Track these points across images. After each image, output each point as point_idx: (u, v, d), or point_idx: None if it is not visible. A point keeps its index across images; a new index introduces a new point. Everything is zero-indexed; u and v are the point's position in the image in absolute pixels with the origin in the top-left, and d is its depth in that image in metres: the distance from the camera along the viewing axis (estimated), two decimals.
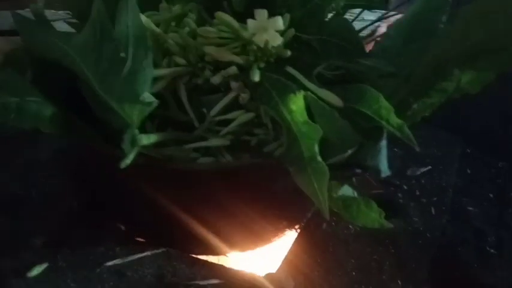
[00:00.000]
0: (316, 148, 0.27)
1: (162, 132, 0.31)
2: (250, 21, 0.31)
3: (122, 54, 0.29)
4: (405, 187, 0.49)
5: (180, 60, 0.34)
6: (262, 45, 0.31)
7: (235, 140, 0.34)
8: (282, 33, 0.32)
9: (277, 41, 0.31)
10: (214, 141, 0.32)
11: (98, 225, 0.40)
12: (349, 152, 0.26)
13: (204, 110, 0.33)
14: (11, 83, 0.28)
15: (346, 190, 0.29)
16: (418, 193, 0.48)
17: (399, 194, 0.48)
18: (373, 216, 0.28)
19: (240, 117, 0.33)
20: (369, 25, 0.46)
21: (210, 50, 0.32)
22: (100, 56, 0.29)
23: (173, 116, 0.34)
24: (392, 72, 0.32)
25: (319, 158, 0.27)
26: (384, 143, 0.28)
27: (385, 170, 0.28)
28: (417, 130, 0.32)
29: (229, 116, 0.33)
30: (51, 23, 0.39)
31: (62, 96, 0.31)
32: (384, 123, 0.28)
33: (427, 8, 0.36)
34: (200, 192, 0.33)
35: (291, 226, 0.41)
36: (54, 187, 0.43)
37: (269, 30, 0.31)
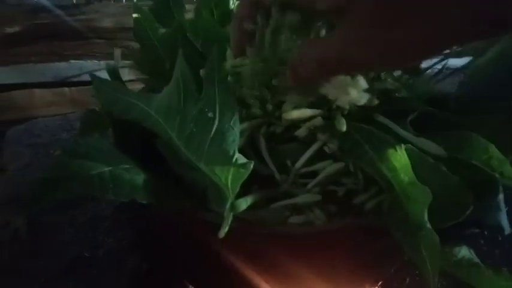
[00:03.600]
0: (426, 214, 0.24)
1: (254, 194, 0.29)
2: (329, 90, 0.29)
3: (210, 114, 0.27)
4: (485, 232, 0.45)
5: (257, 111, 0.32)
6: (347, 107, 0.29)
7: (321, 191, 0.32)
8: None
9: (362, 100, 0.29)
10: (304, 198, 0.30)
11: (167, 285, 0.38)
12: (467, 213, 0.24)
13: (288, 162, 0.32)
14: (100, 151, 0.26)
15: (465, 252, 0.26)
16: (500, 238, 0.45)
17: (481, 241, 0.44)
18: (503, 285, 0.25)
19: (329, 167, 0.31)
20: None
21: (289, 115, 0.30)
22: (185, 117, 0.28)
23: (256, 171, 0.32)
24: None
25: (429, 226, 0.24)
26: (501, 196, 0.26)
27: (507, 226, 0.25)
28: None
29: (317, 166, 0.31)
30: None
31: (142, 159, 0.30)
32: (497, 175, 0.26)
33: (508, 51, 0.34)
34: (286, 253, 0.31)
35: (374, 284, 0.38)
36: (120, 245, 0.42)
37: (351, 92, 0.28)
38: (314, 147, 0.31)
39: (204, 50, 0.40)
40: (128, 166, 0.26)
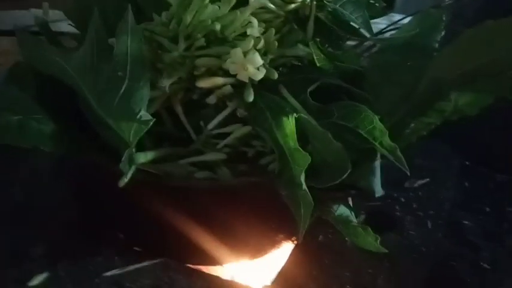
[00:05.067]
0: (303, 176, 0.27)
1: (158, 149, 0.31)
2: (229, 65, 0.31)
3: (120, 73, 0.29)
4: (402, 199, 0.49)
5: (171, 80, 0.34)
6: (246, 81, 0.31)
7: (232, 152, 0.34)
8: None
9: (259, 76, 0.31)
10: (211, 156, 0.33)
11: (98, 234, 0.41)
12: (345, 176, 0.27)
13: (202, 123, 0.34)
14: (14, 101, 0.28)
15: (343, 210, 0.29)
16: (415, 206, 0.48)
17: (396, 207, 0.48)
18: (370, 241, 0.29)
19: (237, 130, 0.33)
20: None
21: (202, 83, 0.32)
22: (97, 74, 0.30)
23: (169, 132, 0.34)
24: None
25: (304, 187, 0.27)
26: (377, 163, 0.29)
27: (378, 190, 0.28)
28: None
29: (226, 129, 0.33)
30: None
31: (64, 112, 0.32)
32: (377, 145, 0.29)
33: (422, 26, 0.36)
34: (197, 206, 0.34)
35: (287, 238, 0.41)
36: (55, 196, 0.44)
37: (249, 68, 0.30)
38: (225, 112, 0.33)
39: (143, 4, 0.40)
40: (38, 116, 0.28)
